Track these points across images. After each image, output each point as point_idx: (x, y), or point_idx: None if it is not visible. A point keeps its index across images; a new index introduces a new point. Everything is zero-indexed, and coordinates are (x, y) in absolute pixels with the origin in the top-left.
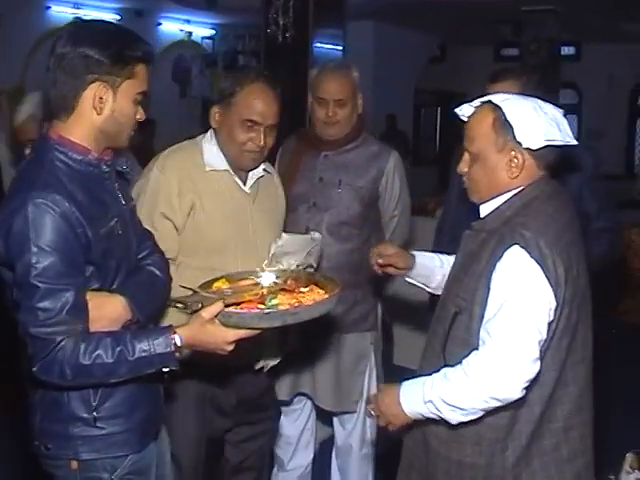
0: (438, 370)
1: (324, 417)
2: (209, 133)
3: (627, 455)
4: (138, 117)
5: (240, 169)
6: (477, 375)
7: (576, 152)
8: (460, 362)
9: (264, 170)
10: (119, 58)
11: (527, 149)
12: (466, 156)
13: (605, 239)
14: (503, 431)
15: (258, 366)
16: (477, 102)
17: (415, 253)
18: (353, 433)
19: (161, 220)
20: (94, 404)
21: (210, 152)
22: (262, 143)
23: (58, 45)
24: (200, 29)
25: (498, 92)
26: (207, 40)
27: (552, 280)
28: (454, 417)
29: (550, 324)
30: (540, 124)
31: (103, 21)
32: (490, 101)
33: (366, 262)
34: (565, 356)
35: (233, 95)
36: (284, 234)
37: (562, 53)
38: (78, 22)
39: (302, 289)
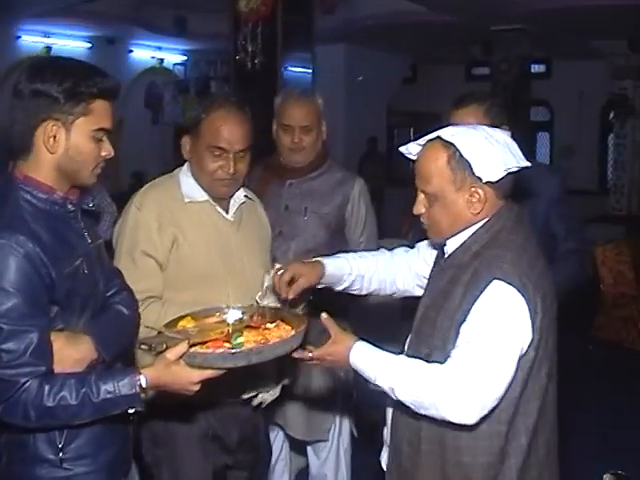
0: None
1: (299, 446)
2: (186, 165)
3: (605, 476)
4: (104, 154)
5: (217, 197)
6: (438, 387)
7: (540, 174)
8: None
9: (245, 197)
10: (72, 94)
11: (487, 182)
12: (421, 196)
13: (574, 260)
14: (493, 469)
15: (256, 402)
16: (424, 140)
17: (325, 262)
18: (327, 462)
19: (143, 258)
20: (60, 445)
21: (187, 184)
22: (232, 170)
23: (17, 82)
24: (172, 55)
25: (462, 118)
26: (179, 66)
27: (532, 310)
28: (399, 395)
29: (523, 356)
30: (496, 154)
31: (63, 57)
32: (439, 137)
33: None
34: (546, 383)
35: (199, 123)
36: (277, 265)
37: (533, 71)
38: (36, 58)
39: (268, 325)
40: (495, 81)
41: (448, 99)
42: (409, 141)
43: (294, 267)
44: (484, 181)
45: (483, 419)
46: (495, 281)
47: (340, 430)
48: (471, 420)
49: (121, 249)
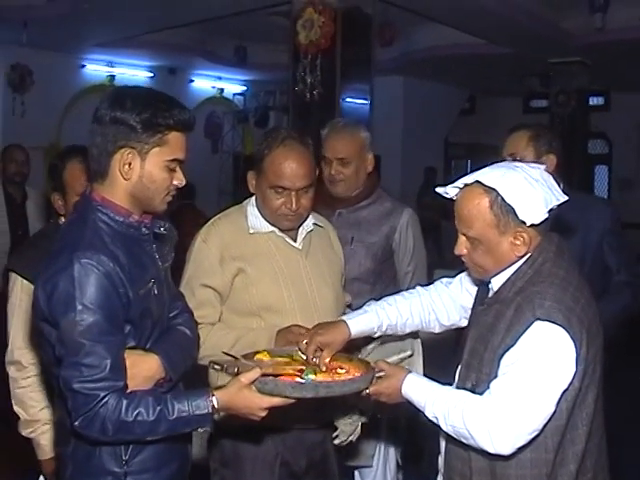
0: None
1: (347, 472)
2: (254, 197)
3: None
4: (176, 183)
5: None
6: (474, 416)
7: (593, 205)
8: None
9: (314, 224)
10: (150, 125)
11: (532, 225)
12: (462, 239)
13: (627, 292)
14: None
15: (337, 441)
16: (461, 183)
17: (350, 323)
18: None
19: (201, 289)
20: (125, 458)
21: (253, 215)
22: (294, 207)
23: (99, 108)
24: (231, 85)
25: (508, 144)
26: (238, 96)
27: (577, 344)
28: (441, 424)
29: (568, 388)
30: (538, 195)
31: (145, 88)
32: (479, 182)
33: None
34: (593, 410)
35: (263, 159)
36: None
37: (591, 103)
38: (121, 87)
39: (339, 370)
40: (553, 113)
41: (506, 131)
42: (466, 173)
43: (316, 339)
44: (528, 224)
45: (530, 447)
46: (538, 322)
47: (387, 457)
48: (505, 450)
49: (184, 278)
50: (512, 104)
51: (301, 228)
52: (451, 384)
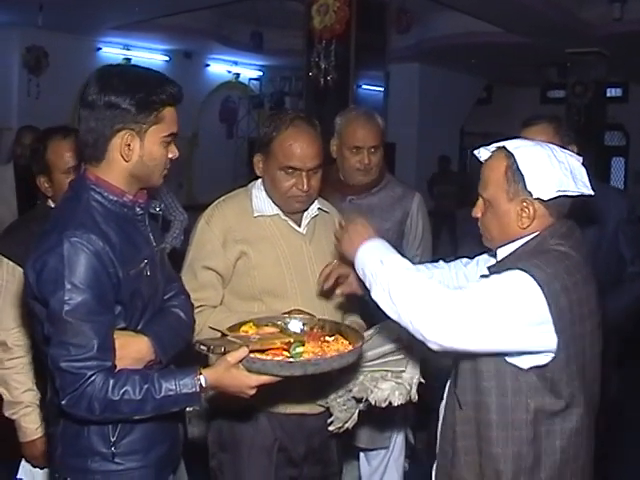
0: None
1: (352, 458)
2: (260, 180)
3: None
4: (171, 156)
5: (290, 213)
6: (427, 299)
7: (609, 196)
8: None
9: (319, 209)
10: (145, 105)
11: (538, 199)
12: (480, 201)
13: None
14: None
15: (333, 427)
16: (493, 147)
17: None
18: (378, 470)
19: (203, 271)
20: (113, 439)
21: (258, 198)
22: (305, 188)
23: (88, 93)
24: (247, 70)
25: (532, 136)
26: (254, 81)
27: (553, 306)
28: (380, 296)
29: (553, 360)
30: (553, 174)
31: (130, 66)
32: (505, 147)
33: None
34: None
35: (271, 142)
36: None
37: (608, 95)
38: (105, 69)
39: (327, 338)
40: (569, 104)
41: (522, 123)
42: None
43: (338, 270)
44: (534, 197)
45: (513, 425)
46: (517, 270)
47: (395, 440)
48: (433, 335)
49: (186, 259)
50: (529, 94)
51: (305, 213)
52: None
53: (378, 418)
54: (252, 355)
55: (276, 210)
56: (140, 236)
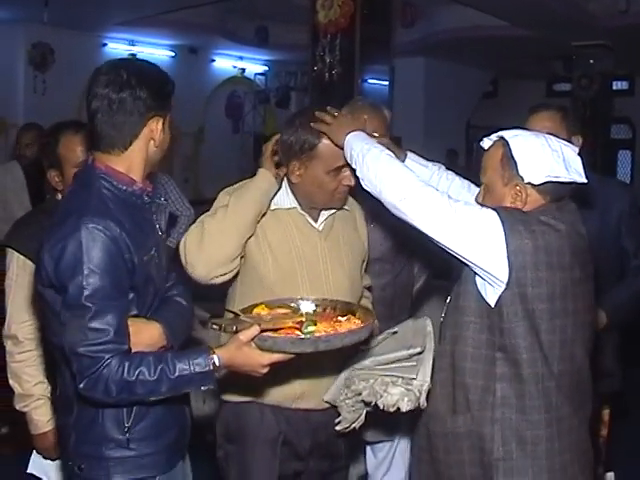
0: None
1: (358, 452)
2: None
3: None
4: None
5: (331, 208)
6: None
7: (612, 187)
8: None
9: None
10: (166, 95)
11: (529, 184)
12: (482, 187)
13: None
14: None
15: (340, 427)
16: (494, 136)
17: (409, 155)
18: (384, 462)
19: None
20: (127, 425)
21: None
22: (353, 181)
23: (108, 88)
24: (253, 65)
25: (539, 122)
26: (260, 76)
27: (509, 236)
28: (364, 174)
29: (505, 291)
30: (544, 160)
31: (143, 61)
32: (503, 136)
33: (399, 295)
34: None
35: (314, 147)
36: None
37: (614, 88)
38: (109, 66)
39: (340, 318)
40: (575, 97)
41: (529, 111)
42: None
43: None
44: (526, 181)
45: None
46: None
47: (401, 433)
48: (404, 208)
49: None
50: (535, 87)
51: (323, 210)
52: None
53: (384, 413)
54: (264, 334)
55: (294, 204)
56: (148, 224)
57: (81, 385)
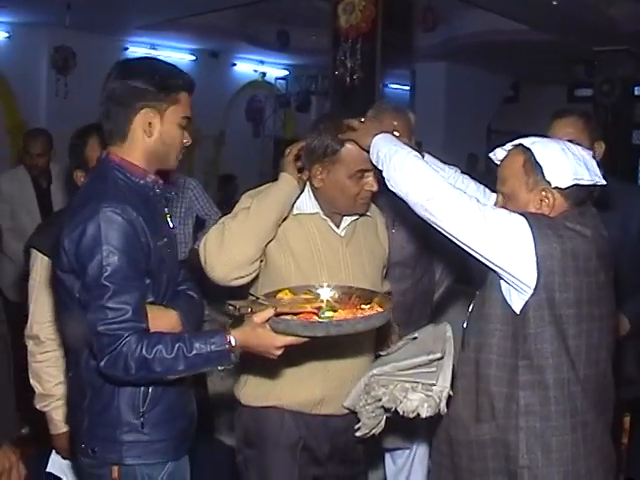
0: None
1: (377, 459)
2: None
3: None
4: (185, 141)
5: (353, 214)
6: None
7: (633, 193)
8: None
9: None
10: (163, 87)
11: (556, 188)
12: (499, 198)
13: None
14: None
15: (360, 433)
16: (509, 146)
17: (426, 157)
18: (404, 469)
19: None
20: (142, 410)
21: (300, 196)
22: (376, 186)
23: (108, 81)
24: (274, 69)
25: (562, 128)
26: (280, 80)
27: (538, 240)
28: (391, 175)
29: (532, 297)
30: (568, 164)
31: (146, 57)
32: (521, 144)
33: (419, 301)
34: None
35: (337, 151)
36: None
37: (636, 93)
38: (123, 60)
39: (363, 306)
40: (597, 103)
41: (551, 116)
42: (497, 165)
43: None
44: (553, 186)
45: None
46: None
47: (420, 440)
48: (431, 209)
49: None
50: (556, 92)
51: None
52: None
53: (403, 419)
54: (280, 317)
55: (317, 209)
56: (159, 215)
57: (102, 363)
